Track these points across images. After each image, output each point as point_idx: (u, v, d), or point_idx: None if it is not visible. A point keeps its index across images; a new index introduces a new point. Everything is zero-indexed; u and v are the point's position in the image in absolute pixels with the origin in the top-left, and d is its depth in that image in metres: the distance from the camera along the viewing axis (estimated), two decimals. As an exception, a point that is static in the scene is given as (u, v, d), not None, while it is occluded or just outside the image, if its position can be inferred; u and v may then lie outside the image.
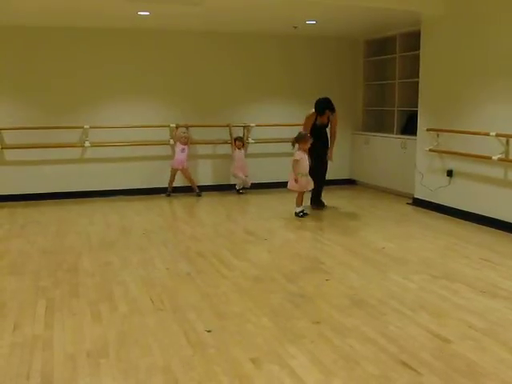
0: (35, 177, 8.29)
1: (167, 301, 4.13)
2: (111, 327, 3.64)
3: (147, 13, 7.12)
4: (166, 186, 8.74)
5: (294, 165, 6.94)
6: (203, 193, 8.79)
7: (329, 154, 7.57)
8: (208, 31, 8.74)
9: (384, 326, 3.65)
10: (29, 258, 5.31)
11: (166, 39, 8.69)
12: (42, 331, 3.58)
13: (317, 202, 7.62)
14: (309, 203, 7.55)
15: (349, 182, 9.76)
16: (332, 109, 7.37)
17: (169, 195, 8.69)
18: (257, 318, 3.80)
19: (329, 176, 7.78)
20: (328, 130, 7.59)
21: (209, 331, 3.56)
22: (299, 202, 7.09)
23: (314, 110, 7.36)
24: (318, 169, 7.37)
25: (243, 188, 8.95)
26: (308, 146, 6.99)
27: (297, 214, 7.03)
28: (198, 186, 8.86)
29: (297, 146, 7.04)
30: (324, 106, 7.31)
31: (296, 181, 6.91)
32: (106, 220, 7.04)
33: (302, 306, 4.01)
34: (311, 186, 7.10)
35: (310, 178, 7.03)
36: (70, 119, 8.31)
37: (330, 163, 7.66)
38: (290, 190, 7.12)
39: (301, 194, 7.08)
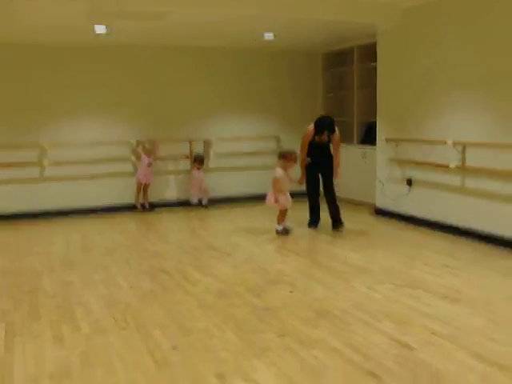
0: (-7, 197, 8.11)
1: (131, 319, 4.08)
2: (74, 348, 3.57)
3: (104, 30, 6.99)
4: (128, 202, 8.68)
5: (274, 183, 6.64)
6: (166, 208, 8.79)
7: (335, 174, 7.06)
8: (167, 46, 8.73)
9: (349, 336, 3.66)
10: (-13, 281, 5.19)
11: (124, 54, 8.63)
12: (1, 355, 3.48)
13: (338, 224, 6.99)
14: (330, 227, 7.02)
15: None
16: (331, 130, 6.80)
17: (145, 209, 8.71)
18: (222, 332, 3.78)
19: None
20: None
21: (174, 348, 3.52)
22: (280, 220, 6.81)
23: (312, 127, 6.85)
24: (327, 188, 7.06)
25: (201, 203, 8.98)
26: (290, 166, 6.66)
27: (277, 232, 6.78)
28: (161, 202, 8.89)
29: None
30: (323, 127, 6.75)
31: (276, 200, 6.64)
32: (67, 239, 6.92)
33: (266, 319, 4.00)
34: (290, 203, 6.76)
35: (288, 195, 6.72)
36: (27, 138, 8.17)
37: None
38: (268, 207, 6.85)
39: (282, 212, 6.81)
